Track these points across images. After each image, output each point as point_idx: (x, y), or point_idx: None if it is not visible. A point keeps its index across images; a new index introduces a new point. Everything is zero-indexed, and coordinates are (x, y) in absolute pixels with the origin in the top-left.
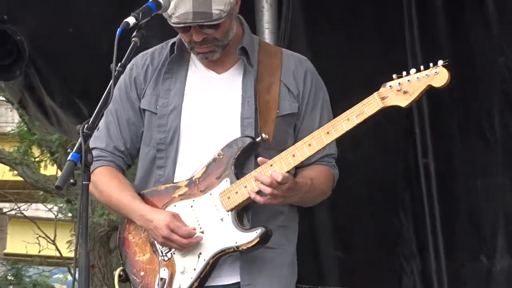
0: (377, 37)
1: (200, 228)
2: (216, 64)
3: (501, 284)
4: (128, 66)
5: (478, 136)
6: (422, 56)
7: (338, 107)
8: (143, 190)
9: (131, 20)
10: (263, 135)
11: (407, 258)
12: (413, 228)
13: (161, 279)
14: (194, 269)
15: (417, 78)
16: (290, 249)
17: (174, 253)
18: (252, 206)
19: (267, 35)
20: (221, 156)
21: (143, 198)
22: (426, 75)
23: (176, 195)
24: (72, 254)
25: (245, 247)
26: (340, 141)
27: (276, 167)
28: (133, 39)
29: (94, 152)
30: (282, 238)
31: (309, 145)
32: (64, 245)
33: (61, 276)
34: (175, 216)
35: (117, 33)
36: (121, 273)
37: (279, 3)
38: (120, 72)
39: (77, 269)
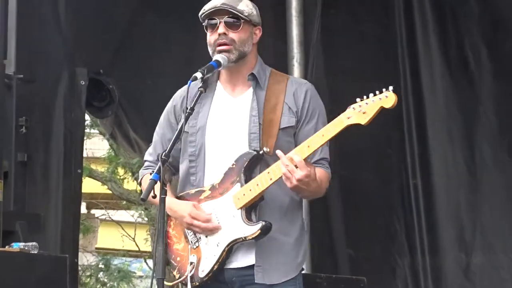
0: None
1: (219, 222)
2: (233, 90)
3: (477, 275)
4: (171, 98)
5: (460, 164)
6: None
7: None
8: (181, 192)
9: (198, 74)
10: (265, 149)
11: (400, 255)
12: (404, 233)
13: (191, 263)
14: (214, 255)
15: (372, 101)
16: (292, 237)
17: (200, 243)
18: (258, 205)
19: None
20: (234, 166)
21: (180, 198)
22: (379, 98)
23: (202, 197)
24: (147, 249)
25: (250, 237)
26: (352, 165)
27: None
28: (199, 88)
29: (145, 164)
30: (286, 227)
31: (308, 147)
32: (142, 241)
33: (138, 265)
34: (195, 206)
35: (188, 84)
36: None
37: (306, 62)
38: (190, 113)
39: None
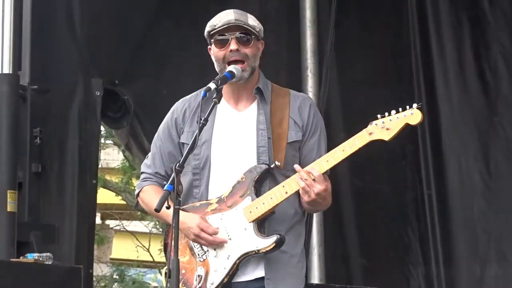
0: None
1: (228, 235)
2: (237, 104)
3: (492, 286)
4: (170, 110)
5: (475, 175)
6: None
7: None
8: (184, 205)
9: (212, 85)
10: (276, 163)
11: (414, 265)
12: (418, 243)
13: (199, 275)
14: (224, 268)
15: (397, 117)
16: (298, 249)
17: (208, 256)
18: (268, 218)
19: (311, 96)
20: (243, 179)
21: (184, 211)
22: (404, 115)
23: (208, 210)
24: (162, 259)
25: (264, 250)
26: (365, 175)
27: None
28: (213, 99)
29: (142, 176)
30: (291, 240)
31: (327, 161)
32: (156, 252)
33: (152, 275)
34: (203, 218)
35: (202, 95)
36: (166, 271)
37: (319, 73)
38: (204, 124)
39: (168, 265)
